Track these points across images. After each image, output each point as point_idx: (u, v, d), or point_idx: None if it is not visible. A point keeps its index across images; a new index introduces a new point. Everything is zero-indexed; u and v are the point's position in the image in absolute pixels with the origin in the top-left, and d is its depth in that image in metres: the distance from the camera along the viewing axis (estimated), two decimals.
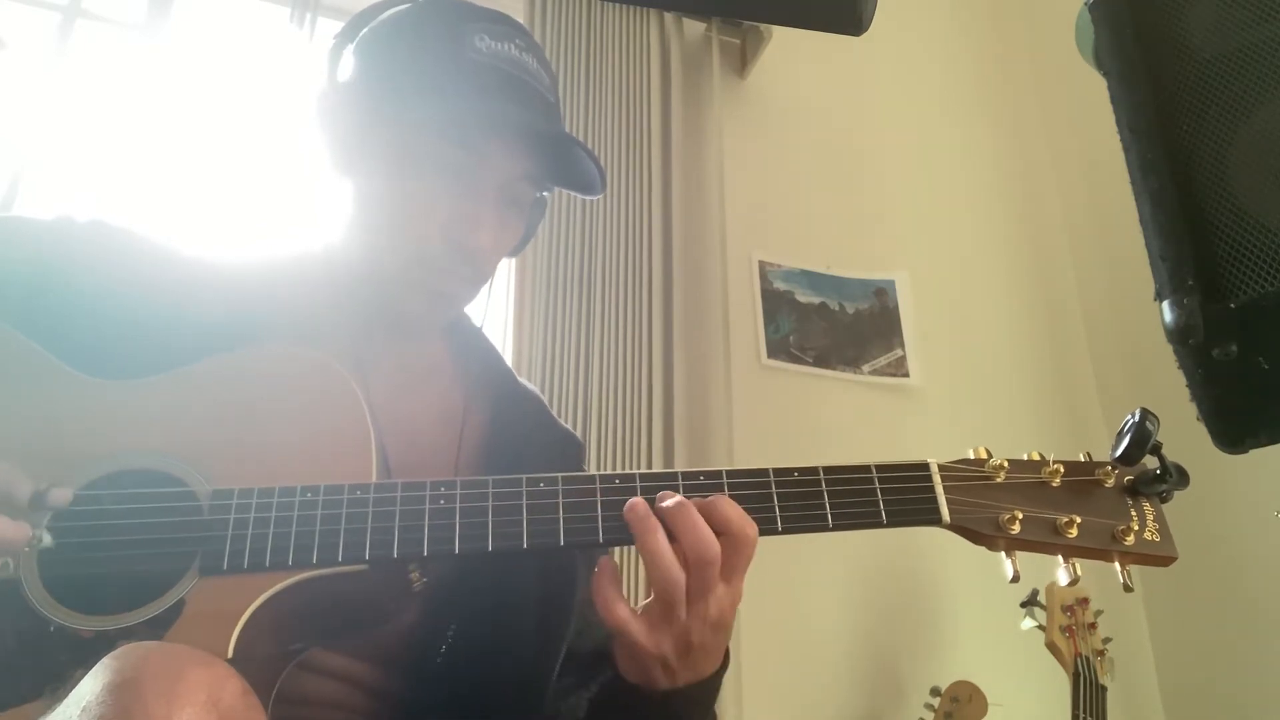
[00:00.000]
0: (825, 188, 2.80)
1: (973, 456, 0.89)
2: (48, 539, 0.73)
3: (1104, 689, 1.95)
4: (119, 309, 0.87)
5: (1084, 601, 2.02)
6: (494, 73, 0.92)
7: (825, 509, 0.83)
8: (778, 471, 0.83)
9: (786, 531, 0.82)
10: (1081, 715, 1.89)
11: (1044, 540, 0.85)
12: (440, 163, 0.92)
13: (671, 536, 0.78)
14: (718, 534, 0.78)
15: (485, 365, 1.09)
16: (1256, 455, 1.25)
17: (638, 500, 0.79)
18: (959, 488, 0.86)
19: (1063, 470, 0.88)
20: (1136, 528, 0.86)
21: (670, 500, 0.79)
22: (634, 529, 0.78)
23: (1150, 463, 0.87)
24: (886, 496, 0.84)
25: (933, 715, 2.04)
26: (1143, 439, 0.84)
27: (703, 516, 0.78)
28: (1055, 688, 2.01)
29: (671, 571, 0.76)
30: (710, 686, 0.85)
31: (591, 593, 0.80)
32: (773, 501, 0.82)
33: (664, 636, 0.79)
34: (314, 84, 1.00)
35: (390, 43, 0.96)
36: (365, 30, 0.99)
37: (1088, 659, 1.96)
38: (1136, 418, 0.85)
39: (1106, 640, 2.03)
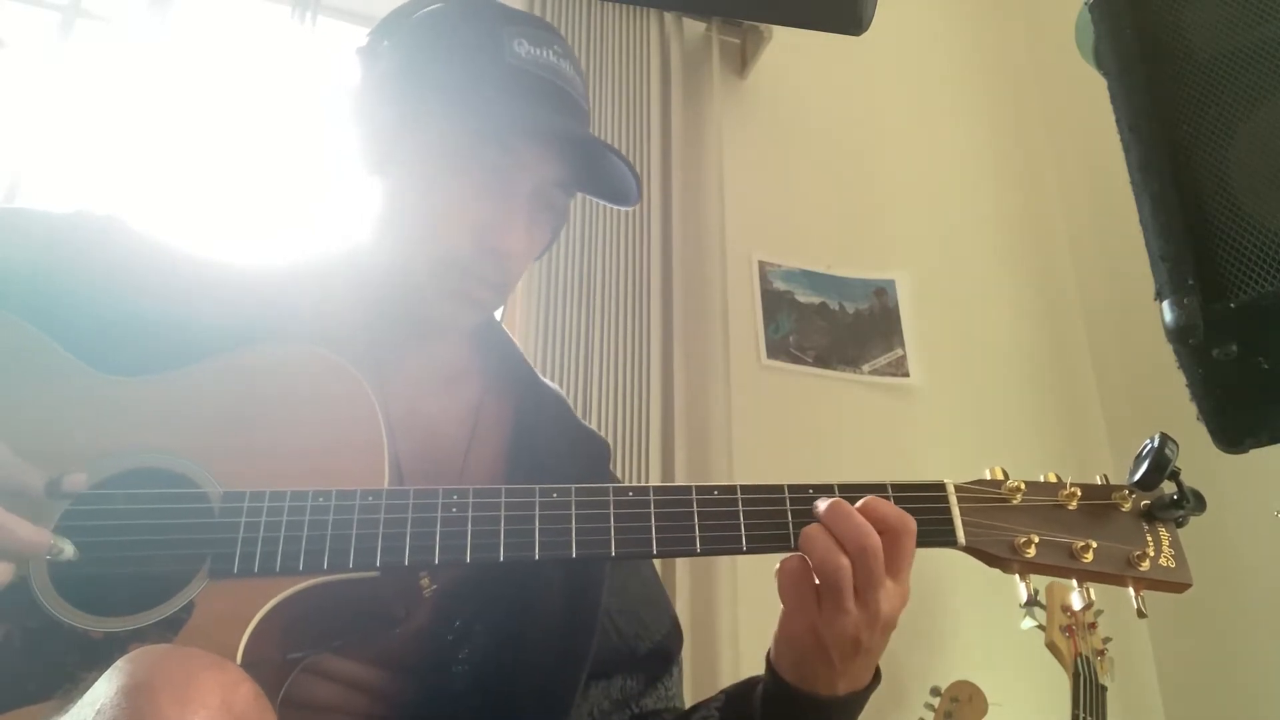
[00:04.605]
0: (825, 188, 2.81)
1: (989, 476, 0.88)
2: (69, 551, 0.72)
3: (1104, 689, 1.94)
4: (131, 304, 0.86)
5: None
6: (531, 78, 0.93)
7: None
8: (792, 488, 0.83)
9: (798, 549, 0.80)
10: (1081, 715, 1.88)
11: (1059, 564, 0.85)
12: (474, 163, 0.92)
13: (833, 535, 0.78)
14: (878, 532, 0.78)
15: (507, 364, 1.08)
16: (1256, 455, 1.25)
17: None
18: (975, 509, 0.85)
19: (1080, 493, 0.87)
20: (1152, 553, 0.85)
21: (823, 504, 0.79)
22: (805, 547, 0.78)
23: (1168, 488, 0.87)
24: None
25: (933, 715, 2.04)
26: (1161, 464, 0.84)
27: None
28: (1055, 688, 2.00)
29: (831, 554, 0.77)
30: (863, 700, 0.85)
31: (778, 576, 0.80)
32: (787, 519, 0.82)
33: (833, 630, 0.79)
34: (348, 80, 0.99)
35: (429, 42, 0.95)
36: (402, 28, 0.98)
37: (1088, 659, 1.96)
38: (1156, 443, 0.85)
39: (1106, 640, 2.03)
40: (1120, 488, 0.88)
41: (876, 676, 0.86)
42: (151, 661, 0.57)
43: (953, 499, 0.85)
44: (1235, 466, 1.40)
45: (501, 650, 0.90)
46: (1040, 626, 2.02)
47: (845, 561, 0.77)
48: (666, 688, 1.06)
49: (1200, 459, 0.99)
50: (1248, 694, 2.28)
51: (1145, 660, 2.54)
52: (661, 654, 1.06)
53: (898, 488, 0.84)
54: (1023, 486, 0.87)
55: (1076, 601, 0.84)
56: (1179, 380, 1.23)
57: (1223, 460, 1.28)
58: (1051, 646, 1.99)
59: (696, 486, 0.82)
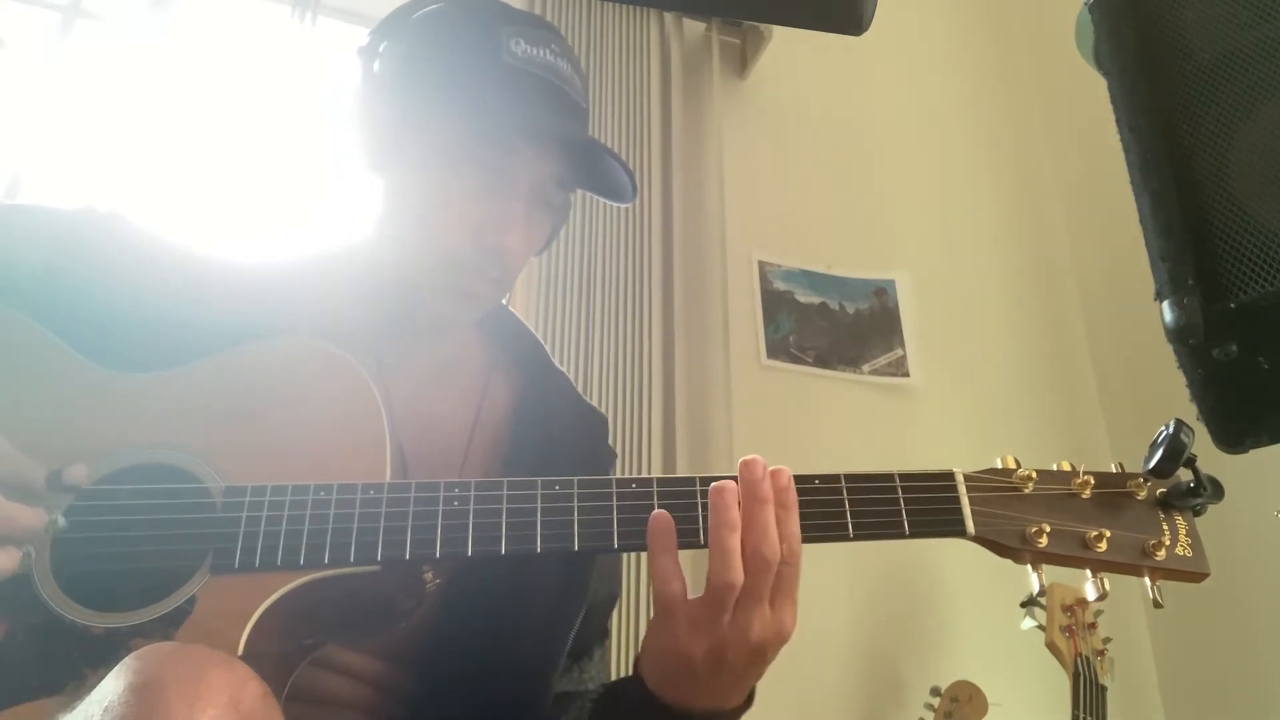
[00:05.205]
0: (825, 188, 2.81)
1: (1000, 465, 0.86)
2: (62, 521, 0.73)
3: (1104, 689, 1.95)
4: (134, 301, 0.87)
5: (1084, 601, 2.03)
6: (529, 78, 0.94)
7: (846, 518, 0.81)
8: (798, 478, 0.81)
9: (805, 541, 0.79)
10: (1081, 715, 1.89)
11: (1072, 554, 0.82)
12: (473, 162, 0.93)
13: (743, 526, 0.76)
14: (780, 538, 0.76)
15: (513, 344, 1.10)
16: (1256, 455, 1.24)
17: (727, 487, 0.77)
18: (985, 498, 0.83)
19: (1093, 482, 0.85)
20: (1168, 542, 0.83)
21: (761, 490, 0.77)
22: (714, 516, 0.76)
23: (1184, 475, 0.85)
24: (910, 506, 0.82)
25: (933, 715, 2.04)
26: (1176, 451, 0.82)
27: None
28: (1055, 688, 2.01)
29: (733, 573, 0.75)
30: None
31: (649, 559, 0.77)
32: None
33: (700, 638, 0.77)
34: (348, 79, 1.01)
35: (428, 43, 0.97)
36: (401, 28, 0.99)
37: (1088, 659, 1.96)
38: (1171, 429, 0.82)
39: (1106, 640, 2.03)
40: (1135, 476, 0.86)
41: (748, 700, 0.84)
42: (160, 659, 0.57)
43: (961, 488, 0.83)
44: (1235, 466, 1.40)
45: (494, 640, 0.91)
46: (1040, 626, 2.02)
47: (741, 579, 0.75)
48: (583, 669, 1.06)
49: (1200, 459, 0.99)
50: (1248, 694, 2.28)
51: (1145, 660, 2.54)
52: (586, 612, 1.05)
53: (905, 477, 0.83)
54: (1034, 475, 0.85)
55: (1091, 592, 0.82)
56: (1179, 380, 1.23)
57: (1223, 460, 1.28)
58: (1051, 646, 1.99)
59: (700, 477, 0.81)
